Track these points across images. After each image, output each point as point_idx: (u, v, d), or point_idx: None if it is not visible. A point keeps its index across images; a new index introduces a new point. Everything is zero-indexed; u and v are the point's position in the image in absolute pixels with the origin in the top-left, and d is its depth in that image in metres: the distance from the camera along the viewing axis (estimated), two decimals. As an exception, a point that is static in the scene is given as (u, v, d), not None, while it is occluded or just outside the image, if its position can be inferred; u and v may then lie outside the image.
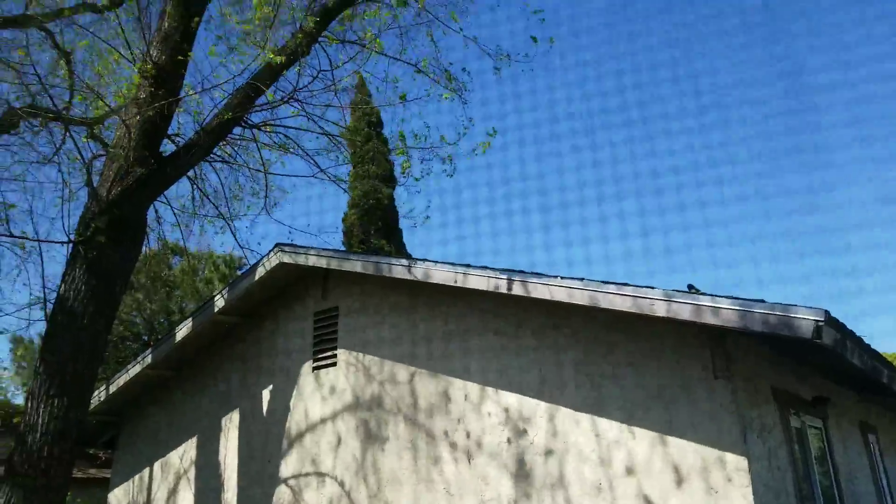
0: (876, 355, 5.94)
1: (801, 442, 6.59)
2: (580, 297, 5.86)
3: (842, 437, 7.66)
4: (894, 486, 8.90)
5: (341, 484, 7.70)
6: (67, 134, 8.68)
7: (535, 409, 6.52)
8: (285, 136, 8.72)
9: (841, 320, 5.06)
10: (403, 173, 8.96)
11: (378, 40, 7.99)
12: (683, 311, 5.30)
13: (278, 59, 6.82)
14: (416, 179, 8.88)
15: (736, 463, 5.39)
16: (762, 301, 5.02)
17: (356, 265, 7.76)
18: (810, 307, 4.81)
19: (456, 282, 6.78)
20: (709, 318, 5.21)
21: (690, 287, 5.55)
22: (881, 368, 6.06)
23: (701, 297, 5.27)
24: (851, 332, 5.32)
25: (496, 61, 8.67)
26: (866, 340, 5.71)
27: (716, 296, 5.21)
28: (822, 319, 4.74)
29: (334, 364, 8.21)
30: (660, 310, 5.40)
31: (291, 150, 8.84)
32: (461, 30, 8.12)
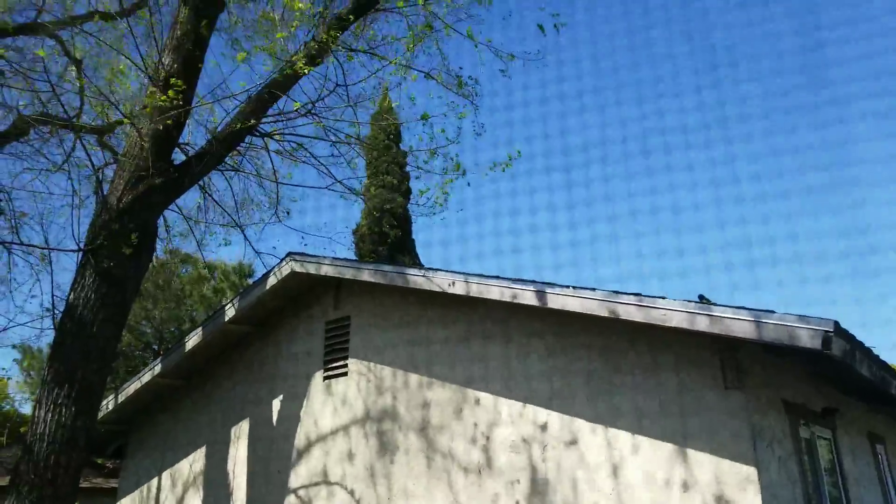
0: (884, 366, 5.95)
1: (811, 452, 6.59)
2: (594, 308, 5.88)
3: (851, 448, 7.65)
4: (903, 496, 8.86)
5: (351, 494, 7.71)
6: (78, 142, 8.74)
7: (548, 419, 6.53)
8: (298, 144, 8.77)
9: (850, 331, 5.08)
10: (421, 195, 8.97)
11: (391, 52, 8.05)
12: (695, 322, 5.33)
13: (307, 68, 6.86)
14: (440, 205, 8.91)
15: (746, 473, 5.40)
16: (773, 312, 5.04)
17: (368, 275, 7.79)
18: (819, 318, 4.84)
19: (468, 292, 6.81)
20: (720, 329, 5.24)
21: (701, 297, 5.57)
22: (889, 379, 6.07)
23: (712, 307, 5.30)
24: (860, 343, 5.34)
25: (504, 61, 8.69)
26: (875, 351, 5.72)
27: (727, 306, 5.24)
28: (832, 330, 4.77)
29: (345, 374, 8.22)
30: (672, 320, 5.43)
31: (304, 159, 8.88)
32: (470, 34, 8.14)
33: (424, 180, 9.22)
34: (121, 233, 7.46)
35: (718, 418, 5.65)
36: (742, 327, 5.12)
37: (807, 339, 4.83)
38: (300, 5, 6.72)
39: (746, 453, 5.44)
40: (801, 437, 6.40)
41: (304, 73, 7.40)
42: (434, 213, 8.96)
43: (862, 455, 8.00)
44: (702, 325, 5.29)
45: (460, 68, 8.68)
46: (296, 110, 7.83)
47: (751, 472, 5.38)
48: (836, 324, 4.81)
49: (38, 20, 8.70)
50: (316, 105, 7.89)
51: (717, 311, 5.23)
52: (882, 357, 5.85)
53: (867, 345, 5.51)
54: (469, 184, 8.83)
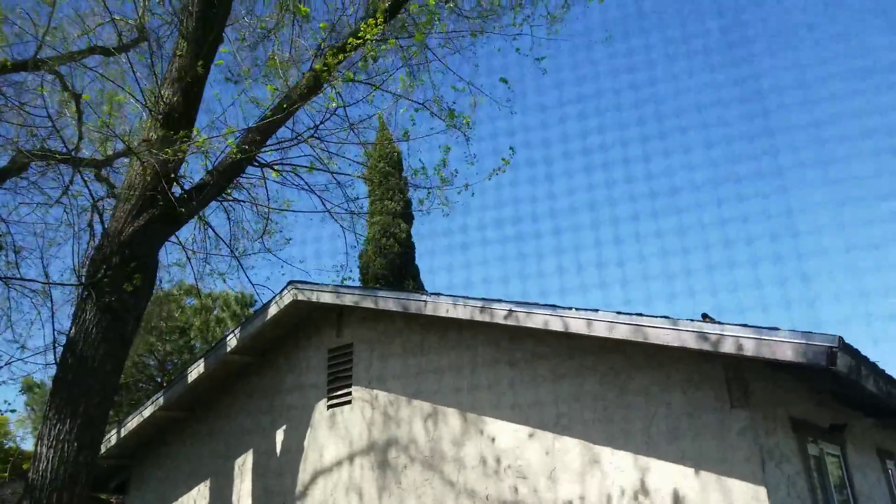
0: (891, 381, 5.91)
1: (820, 470, 6.52)
2: (598, 330, 5.87)
3: (860, 464, 7.58)
4: (915, 512, 8.76)
5: (356, 523, 7.61)
6: (77, 175, 8.78)
7: (553, 443, 6.48)
8: (296, 174, 8.82)
9: (855, 346, 5.06)
10: (422, 203, 9.07)
11: (388, 81, 8.15)
12: (698, 341, 5.31)
13: (299, 100, 6.93)
14: (445, 215, 9.06)
15: (755, 493, 5.34)
16: (777, 329, 5.03)
17: (370, 301, 7.78)
18: (824, 334, 4.82)
19: (470, 316, 6.79)
20: (724, 348, 5.22)
21: (705, 316, 5.55)
22: (897, 394, 6.03)
23: (716, 325, 5.28)
24: (866, 358, 5.32)
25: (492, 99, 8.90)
26: (881, 366, 5.69)
27: (730, 324, 5.22)
28: (836, 346, 4.75)
29: (349, 402, 8.17)
30: (674, 340, 5.42)
31: (302, 187, 8.93)
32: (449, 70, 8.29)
33: (421, 194, 9.31)
34: (121, 266, 7.47)
35: (726, 438, 5.60)
36: (746, 345, 5.11)
37: (811, 355, 4.81)
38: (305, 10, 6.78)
39: (755, 473, 5.39)
40: (809, 455, 6.34)
41: (302, 105, 7.46)
42: (437, 206, 9.02)
43: (872, 471, 7.92)
44: (705, 344, 5.27)
45: (454, 102, 8.82)
46: (294, 139, 7.88)
47: (760, 491, 5.32)
48: (841, 339, 4.79)
49: (38, 55, 8.79)
50: (315, 131, 7.95)
51: (720, 330, 5.22)
52: (889, 372, 5.82)
53: (873, 360, 5.49)
54: (473, 194, 8.92)
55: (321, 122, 7.81)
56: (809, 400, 6.87)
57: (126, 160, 9.20)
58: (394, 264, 17.87)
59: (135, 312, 7.80)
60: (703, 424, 5.74)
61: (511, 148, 8.81)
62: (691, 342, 5.35)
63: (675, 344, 5.43)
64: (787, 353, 4.92)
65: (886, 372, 5.79)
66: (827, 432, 6.92)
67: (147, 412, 9.56)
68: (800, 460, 6.09)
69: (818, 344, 4.80)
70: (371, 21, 7.10)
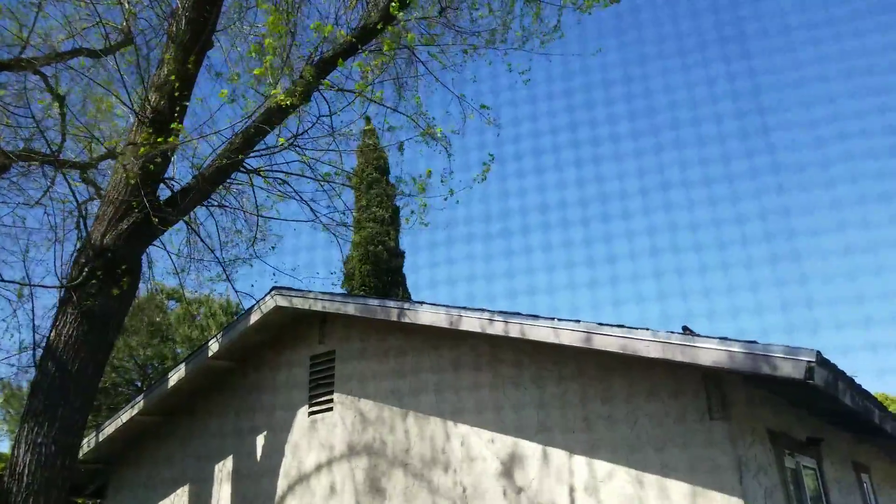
0: (867, 395, 6.00)
1: (797, 483, 6.60)
2: (574, 339, 5.91)
3: (836, 478, 7.67)
4: (890, 526, 8.87)
5: (336, 531, 7.59)
6: (60, 177, 8.72)
7: (533, 452, 6.51)
8: (283, 181, 8.82)
9: (832, 361, 5.14)
10: (408, 221, 9.13)
11: (376, 92, 8.20)
12: (677, 353, 5.37)
13: (288, 99, 6.96)
14: (425, 225, 9.08)
15: (733, 504, 5.39)
16: (755, 342, 5.09)
17: (352, 308, 7.78)
18: (802, 348, 4.89)
19: (451, 324, 6.82)
20: (702, 360, 5.28)
21: (685, 329, 5.62)
22: (872, 409, 6.12)
23: (695, 338, 5.34)
24: (843, 373, 5.39)
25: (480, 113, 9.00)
26: (858, 380, 5.78)
27: (709, 337, 5.29)
28: (814, 360, 4.82)
29: (331, 409, 8.16)
30: (654, 351, 5.47)
31: (289, 195, 8.93)
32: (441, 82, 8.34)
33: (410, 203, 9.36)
34: (104, 269, 7.42)
35: (704, 450, 5.66)
36: (724, 358, 5.17)
37: (789, 369, 4.88)
38: (273, 38, 6.81)
39: (733, 484, 5.44)
40: (786, 468, 6.41)
41: (291, 111, 7.48)
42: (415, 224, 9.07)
43: (847, 485, 8.01)
44: (684, 356, 5.33)
45: (433, 118, 8.92)
46: (280, 145, 7.89)
47: (738, 503, 5.37)
48: (819, 354, 4.86)
49: (22, 55, 8.73)
50: (299, 139, 7.96)
51: (699, 343, 5.28)
52: (866, 384, 5.91)
53: (850, 373, 5.56)
54: (458, 201, 8.99)
55: (304, 132, 7.84)
56: (787, 413, 6.95)
57: (112, 162, 9.14)
58: (381, 271, 17.85)
59: (116, 316, 7.75)
60: (682, 436, 5.79)
61: (490, 154, 8.89)
62: (668, 355, 5.41)
63: (655, 356, 5.48)
64: (764, 367, 4.99)
65: (863, 387, 5.88)
66: (804, 445, 7.00)
67: (126, 416, 9.48)
68: (777, 472, 6.16)
69: (796, 358, 4.86)
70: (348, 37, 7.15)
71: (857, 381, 5.73)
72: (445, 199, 8.79)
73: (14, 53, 8.78)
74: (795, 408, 7.09)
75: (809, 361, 4.81)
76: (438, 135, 8.58)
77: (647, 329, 5.57)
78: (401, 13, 7.79)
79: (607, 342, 5.73)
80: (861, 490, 8.41)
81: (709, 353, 5.23)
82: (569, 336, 5.98)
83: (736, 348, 5.12)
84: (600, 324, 5.83)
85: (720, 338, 5.25)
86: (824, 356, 4.94)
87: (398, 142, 8.69)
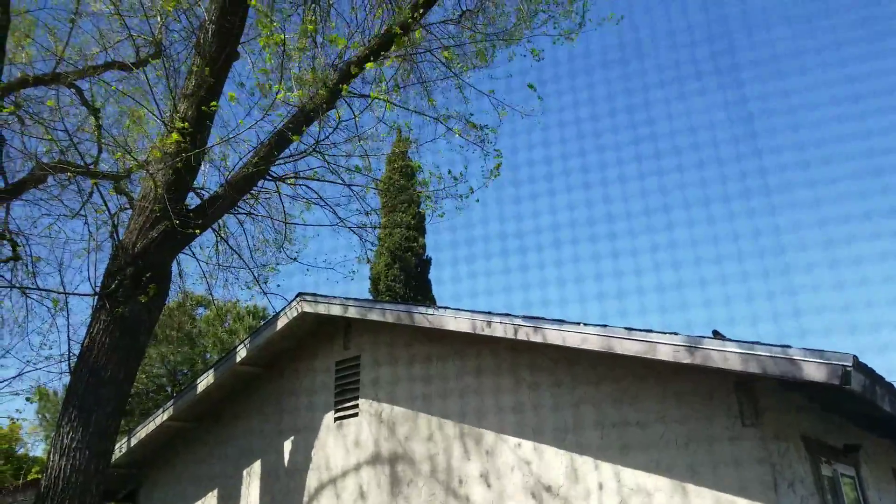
0: (907, 401, 5.82)
1: (835, 491, 6.42)
2: (601, 345, 5.84)
3: (876, 485, 7.45)
4: (933, 537, 8.58)
5: (363, 537, 7.58)
6: (95, 188, 8.91)
7: (559, 459, 6.44)
8: (308, 187, 8.89)
9: (869, 365, 5.00)
10: (428, 205, 9.08)
11: (398, 95, 8.22)
12: (707, 358, 5.27)
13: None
14: (441, 216, 9.06)
15: (767, 514, 5.27)
16: (788, 346, 4.97)
17: (377, 314, 7.80)
18: (837, 352, 4.76)
19: (476, 330, 6.79)
20: (733, 365, 5.17)
21: (716, 333, 5.51)
22: (912, 414, 5.93)
23: (725, 343, 5.24)
24: (880, 378, 5.24)
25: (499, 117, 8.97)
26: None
27: (740, 341, 5.17)
28: (850, 365, 4.68)
29: (356, 414, 8.17)
30: (683, 357, 5.37)
31: (314, 201, 8.99)
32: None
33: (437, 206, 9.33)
34: (135, 277, 7.55)
35: (737, 457, 5.53)
36: (756, 364, 5.05)
37: (824, 374, 4.75)
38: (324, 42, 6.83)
39: (767, 494, 5.31)
40: (823, 476, 6.24)
41: (315, 118, 7.53)
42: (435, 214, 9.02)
43: (888, 493, 7.78)
44: (714, 361, 5.22)
45: (471, 114, 8.84)
46: (304, 152, 7.95)
47: (772, 512, 5.25)
48: (855, 358, 4.72)
49: (57, 70, 8.94)
50: (324, 145, 8.02)
51: (730, 347, 5.17)
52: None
53: (889, 377, 5.41)
54: (478, 200, 8.94)
55: (326, 137, 7.89)
56: (822, 419, 6.78)
57: (144, 173, 9.31)
58: (407, 276, 17.88)
59: (147, 323, 7.86)
60: (713, 443, 5.67)
61: (498, 151, 8.83)
62: (698, 360, 5.30)
63: (684, 361, 5.38)
64: (798, 372, 4.87)
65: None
66: (841, 453, 6.82)
67: (157, 422, 9.61)
68: (813, 481, 6.00)
69: (832, 363, 4.73)
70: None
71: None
72: (464, 198, 8.76)
73: (50, 67, 9.01)
74: (831, 414, 6.92)
75: (845, 366, 4.68)
76: (480, 130, 8.52)
77: (677, 334, 5.48)
78: (419, 14, 7.81)
79: (636, 347, 5.65)
80: (902, 499, 8.16)
81: (740, 358, 5.12)
82: (597, 341, 5.91)
83: (768, 353, 5.00)
84: (628, 328, 5.75)
85: (751, 342, 5.13)
86: (861, 360, 4.80)
87: (419, 142, 8.70)
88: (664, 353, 5.49)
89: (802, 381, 4.88)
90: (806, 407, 6.47)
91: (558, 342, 6.18)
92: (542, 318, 6.35)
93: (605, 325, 5.90)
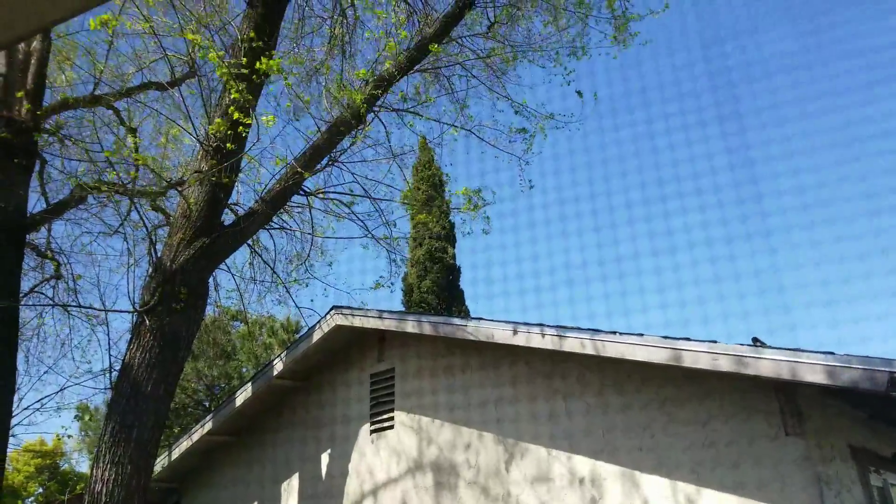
0: (957, 407, 5.66)
1: (884, 501, 6.24)
2: (643, 354, 5.77)
3: (927, 496, 7.23)
4: None
5: (401, 550, 7.57)
6: (132, 206, 9.11)
7: (601, 471, 6.36)
8: (340, 202, 8.97)
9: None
10: (465, 208, 9.01)
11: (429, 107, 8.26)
12: (749, 366, 5.17)
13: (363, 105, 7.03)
14: (485, 232, 9.03)
15: (814, 525, 5.14)
16: (832, 353, 4.87)
17: (411, 326, 7.81)
18: (883, 359, 4.64)
19: (513, 340, 6.76)
20: (775, 373, 5.07)
21: (755, 340, 5.41)
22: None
23: (767, 350, 5.14)
24: (929, 384, 5.09)
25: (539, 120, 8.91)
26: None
27: (782, 349, 5.08)
28: (897, 371, 4.57)
29: (392, 427, 8.18)
30: (724, 365, 5.29)
31: (344, 215, 9.07)
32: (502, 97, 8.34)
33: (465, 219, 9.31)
34: (173, 293, 7.68)
35: (781, 467, 5.42)
36: (799, 371, 4.95)
37: (869, 382, 4.64)
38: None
39: (813, 503, 5.19)
40: (871, 485, 6.08)
41: (346, 133, 7.62)
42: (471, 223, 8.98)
43: (940, 503, 7.54)
44: (756, 369, 5.13)
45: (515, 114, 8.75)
46: (334, 165, 8.03)
47: (819, 523, 5.13)
48: (901, 364, 4.61)
49: (96, 92, 9.18)
50: (354, 159, 8.10)
51: (771, 355, 5.08)
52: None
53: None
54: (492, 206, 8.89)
55: (358, 151, 7.96)
56: (869, 427, 6.60)
57: (179, 190, 9.49)
58: (440, 288, 17.89)
59: (186, 338, 7.98)
60: (757, 453, 5.56)
61: (529, 183, 8.75)
62: (740, 367, 5.21)
63: (723, 369, 5.30)
64: (843, 380, 4.75)
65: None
66: (890, 461, 6.63)
67: (196, 436, 9.73)
68: (862, 491, 5.84)
69: (878, 369, 4.62)
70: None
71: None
72: (485, 207, 8.74)
73: (88, 90, 9.26)
74: (877, 421, 6.73)
75: (892, 373, 4.56)
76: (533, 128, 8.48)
77: (717, 342, 5.40)
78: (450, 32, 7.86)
79: (675, 356, 5.58)
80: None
81: (782, 366, 5.02)
82: (634, 351, 5.85)
83: (811, 360, 4.90)
84: (664, 337, 5.68)
85: (793, 349, 5.03)
86: (908, 367, 4.68)
87: (443, 148, 8.72)
88: (704, 361, 5.40)
89: (847, 388, 4.77)
90: (851, 415, 6.31)
91: (599, 353, 6.12)
92: (577, 328, 6.30)
93: (641, 335, 5.83)
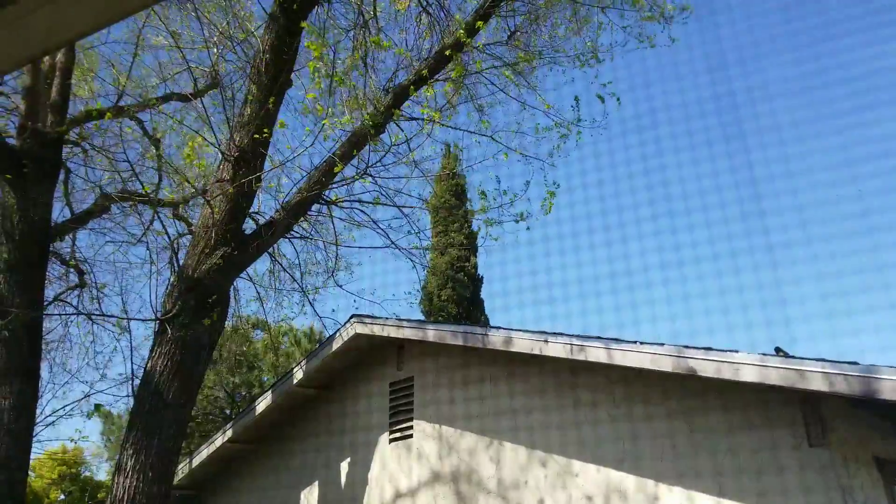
0: None
1: (912, 514, 6.12)
2: (664, 364, 5.73)
3: (956, 510, 7.07)
4: None
5: (420, 559, 7.55)
6: (155, 215, 9.23)
7: (621, 482, 6.31)
8: (362, 211, 9.01)
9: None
10: (487, 222, 8.96)
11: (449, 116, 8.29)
12: (771, 376, 5.11)
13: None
14: (495, 239, 8.98)
15: (840, 538, 5.06)
16: (855, 363, 4.80)
17: (431, 334, 7.81)
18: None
19: (533, 350, 6.74)
20: (798, 383, 5.00)
21: (778, 350, 5.35)
22: None
23: (790, 360, 5.08)
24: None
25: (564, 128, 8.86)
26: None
27: (806, 358, 5.02)
28: (924, 382, 4.49)
29: (411, 436, 8.18)
30: (748, 375, 5.23)
31: (365, 223, 9.11)
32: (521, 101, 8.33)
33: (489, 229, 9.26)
34: (195, 301, 7.75)
35: (805, 478, 5.34)
36: (823, 380, 4.88)
37: (893, 391, 4.56)
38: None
39: (838, 516, 5.11)
40: (898, 499, 5.96)
41: (368, 142, 7.67)
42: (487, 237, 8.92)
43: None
44: (779, 379, 5.07)
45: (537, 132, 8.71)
46: (355, 176, 8.08)
47: (844, 536, 5.04)
48: (929, 375, 4.53)
49: (120, 103, 9.34)
50: (376, 167, 8.13)
51: (794, 364, 5.01)
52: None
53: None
54: (528, 228, 8.80)
55: (377, 161, 8.00)
56: (894, 438, 6.48)
57: (201, 199, 9.61)
58: (461, 297, 17.87)
59: (207, 346, 8.05)
60: (780, 464, 5.49)
61: (554, 188, 8.66)
62: (762, 377, 5.15)
63: (745, 379, 5.24)
64: (866, 389, 4.68)
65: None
66: (917, 474, 6.50)
67: (217, 444, 9.79)
68: (886, 502, 5.74)
69: (903, 379, 4.55)
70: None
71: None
72: (517, 221, 8.69)
73: (112, 101, 9.42)
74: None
75: (919, 383, 4.48)
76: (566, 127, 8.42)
77: (740, 352, 5.34)
78: (469, 39, 7.88)
79: (698, 365, 5.53)
80: None
81: (806, 376, 4.95)
82: (656, 360, 5.80)
83: (834, 370, 4.84)
84: (687, 346, 5.63)
85: (817, 359, 4.97)
86: (935, 377, 4.59)
87: (466, 156, 8.72)
88: (727, 371, 5.35)
89: (873, 399, 4.69)
90: (878, 425, 6.21)
91: (620, 362, 6.08)
92: (598, 337, 6.27)
93: (663, 344, 5.79)
